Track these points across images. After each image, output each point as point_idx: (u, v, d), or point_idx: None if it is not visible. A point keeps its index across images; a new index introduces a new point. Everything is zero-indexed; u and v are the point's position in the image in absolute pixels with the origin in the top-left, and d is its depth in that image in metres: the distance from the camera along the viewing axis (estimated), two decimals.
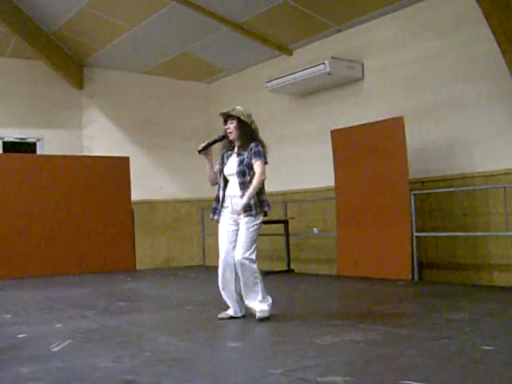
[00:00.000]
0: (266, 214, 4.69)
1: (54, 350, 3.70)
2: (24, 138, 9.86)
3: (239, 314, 4.72)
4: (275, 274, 8.26)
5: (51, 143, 9.87)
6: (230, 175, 4.68)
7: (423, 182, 7.37)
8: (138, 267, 9.93)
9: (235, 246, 4.57)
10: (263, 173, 4.58)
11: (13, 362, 3.39)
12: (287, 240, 8.90)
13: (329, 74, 8.00)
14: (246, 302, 4.63)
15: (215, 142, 4.82)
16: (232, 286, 4.64)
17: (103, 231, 9.56)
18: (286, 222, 8.90)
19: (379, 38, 8.00)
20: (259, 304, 4.55)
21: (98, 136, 10.26)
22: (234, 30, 8.69)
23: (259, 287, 4.54)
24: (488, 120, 6.77)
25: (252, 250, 4.52)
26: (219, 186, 4.76)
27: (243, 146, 4.68)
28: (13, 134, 9.73)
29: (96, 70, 10.37)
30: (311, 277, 8.24)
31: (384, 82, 7.94)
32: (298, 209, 9.19)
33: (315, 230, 8.84)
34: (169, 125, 10.80)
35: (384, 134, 7.42)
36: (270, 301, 4.63)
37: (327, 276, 8.22)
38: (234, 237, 4.61)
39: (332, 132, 8.11)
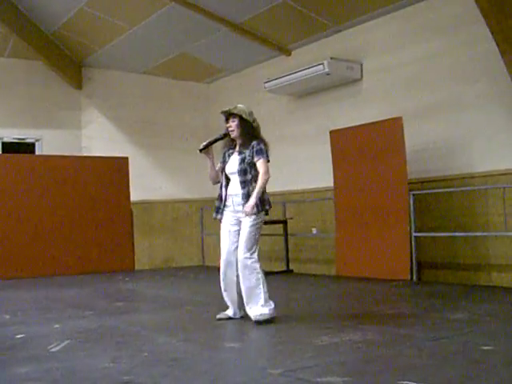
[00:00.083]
0: (267, 213, 4.66)
1: (53, 350, 3.70)
2: (23, 139, 9.85)
3: (238, 316, 4.69)
4: (274, 275, 8.25)
5: (50, 143, 9.87)
6: (232, 174, 4.65)
7: (422, 182, 7.36)
8: (136, 267, 9.94)
9: (237, 246, 4.54)
10: (267, 172, 4.53)
11: (11, 363, 3.39)
12: (286, 240, 8.90)
13: (327, 74, 7.99)
14: (248, 309, 4.51)
15: (216, 140, 4.79)
16: (234, 287, 4.61)
17: (102, 231, 9.57)
18: (284, 223, 8.90)
19: (378, 39, 8.00)
20: (260, 308, 4.44)
21: (96, 136, 10.26)
22: (233, 30, 8.69)
23: (261, 288, 4.45)
24: (487, 120, 6.77)
25: (254, 249, 4.49)
26: (221, 185, 4.73)
27: (245, 145, 4.64)
28: (12, 135, 9.72)
29: (95, 71, 10.37)
30: (310, 277, 8.24)
31: (383, 83, 7.94)
32: (296, 209, 9.19)
33: (314, 231, 8.84)
34: (168, 125, 10.80)
35: (383, 134, 7.42)
36: (273, 305, 4.50)
37: (326, 276, 8.22)
38: (235, 237, 4.59)
39: (331, 132, 8.11)
